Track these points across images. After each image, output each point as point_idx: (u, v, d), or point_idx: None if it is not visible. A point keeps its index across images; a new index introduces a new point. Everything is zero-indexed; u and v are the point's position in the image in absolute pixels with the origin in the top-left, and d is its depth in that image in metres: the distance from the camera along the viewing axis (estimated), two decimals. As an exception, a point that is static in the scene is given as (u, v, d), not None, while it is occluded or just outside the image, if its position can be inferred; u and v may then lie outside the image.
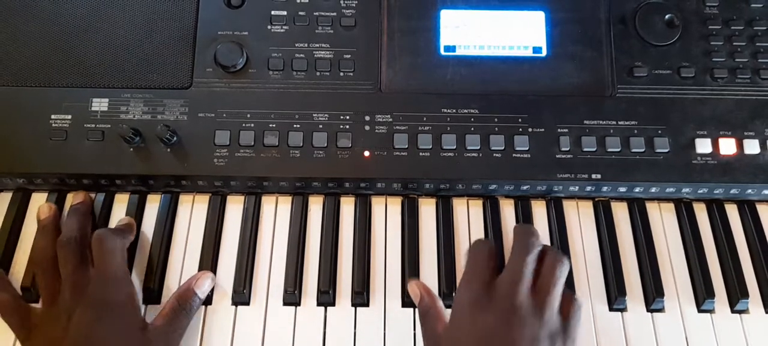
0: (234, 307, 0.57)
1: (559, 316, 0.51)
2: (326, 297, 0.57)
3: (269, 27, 0.63)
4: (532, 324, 0.49)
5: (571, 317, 0.51)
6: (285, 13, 0.63)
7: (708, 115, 0.61)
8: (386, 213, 0.62)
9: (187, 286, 0.56)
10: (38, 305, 0.56)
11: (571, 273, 0.58)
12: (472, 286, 0.52)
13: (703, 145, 0.60)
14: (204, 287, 0.56)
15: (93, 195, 0.61)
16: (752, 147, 0.60)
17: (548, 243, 0.60)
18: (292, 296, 0.57)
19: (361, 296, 0.57)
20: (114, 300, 0.52)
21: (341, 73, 0.62)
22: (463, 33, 0.63)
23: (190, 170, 0.59)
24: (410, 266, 0.59)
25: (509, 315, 0.49)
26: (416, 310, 0.57)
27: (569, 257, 0.55)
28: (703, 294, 0.58)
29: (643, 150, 0.60)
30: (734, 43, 0.63)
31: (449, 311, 0.55)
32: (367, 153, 0.59)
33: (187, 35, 0.62)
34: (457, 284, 0.55)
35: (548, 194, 0.62)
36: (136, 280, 0.58)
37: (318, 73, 0.62)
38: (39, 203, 0.61)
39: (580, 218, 0.62)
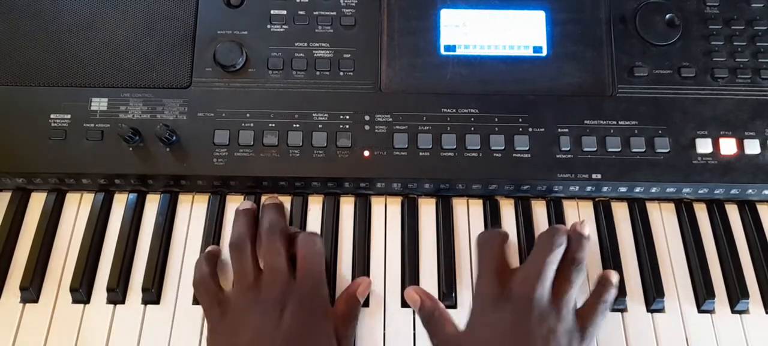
0: (233, 307, 0.57)
1: (576, 316, 0.53)
2: (326, 297, 0.57)
3: (269, 26, 0.63)
4: (549, 319, 0.51)
5: (589, 322, 0.53)
6: (284, 12, 0.63)
7: (708, 115, 0.61)
8: (386, 213, 0.62)
9: (351, 293, 0.56)
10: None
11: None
12: (489, 282, 0.54)
13: (704, 145, 0.60)
14: (366, 293, 0.57)
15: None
16: (753, 147, 0.60)
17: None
18: (292, 296, 0.57)
19: (360, 296, 0.57)
20: (322, 304, 0.53)
21: (341, 73, 0.62)
22: (464, 33, 0.63)
23: (190, 170, 0.59)
24: (410, 266, 0.58)
25: (526, 310, 0.51)
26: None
27: (584, 262, 0.55)
28: (703, 294, 0.58)
29: (643, 150, 0.60)
30: (735, 43, 0.63)
31: (452, 310, 0.56)
32: (366, 153, 0.59)
33: (186, 35, 0.62)
34: (474, 281, 0.56)
35: (548, 194, 0.62)
36: (135, 279, 0.58)
37: (318, 73, 0.62)
38: (38, 202, 0.61)
39: (580, 218, 0.62)
